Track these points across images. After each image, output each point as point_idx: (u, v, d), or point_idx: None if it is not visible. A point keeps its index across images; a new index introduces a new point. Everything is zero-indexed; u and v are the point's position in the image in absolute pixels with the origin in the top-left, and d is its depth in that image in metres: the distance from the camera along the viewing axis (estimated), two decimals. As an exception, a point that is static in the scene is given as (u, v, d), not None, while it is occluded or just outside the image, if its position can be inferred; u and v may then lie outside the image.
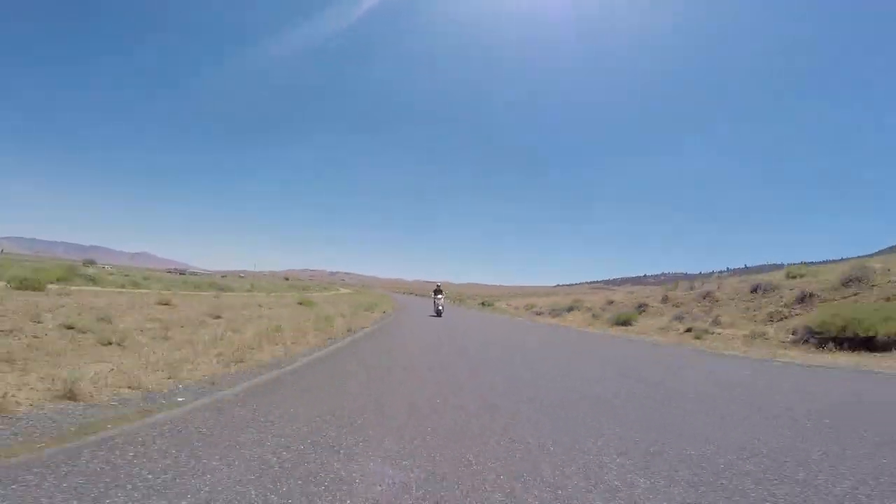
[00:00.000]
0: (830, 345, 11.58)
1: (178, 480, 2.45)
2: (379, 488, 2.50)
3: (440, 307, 23.76)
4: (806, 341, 12.55)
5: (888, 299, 13.81)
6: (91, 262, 33.66)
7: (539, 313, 38.44)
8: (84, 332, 6.95)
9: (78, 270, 20.25)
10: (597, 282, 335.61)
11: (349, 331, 11.97)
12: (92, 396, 3.96)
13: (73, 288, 15.81)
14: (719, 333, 16.38)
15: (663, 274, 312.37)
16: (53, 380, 4.20)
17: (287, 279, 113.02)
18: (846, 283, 16.16)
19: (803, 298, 16.66)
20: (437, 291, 25.53)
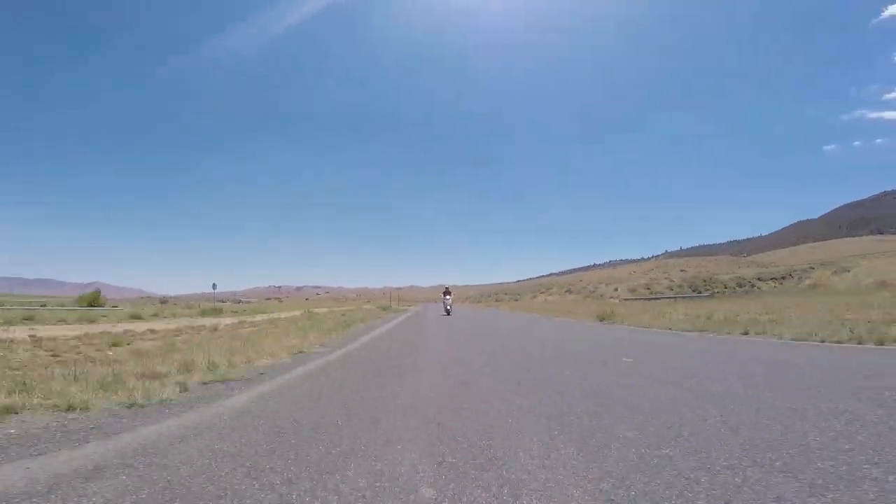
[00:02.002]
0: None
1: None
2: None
3: (448, 307, 25.65)
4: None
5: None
6: (165, 301, 45.21)
7: (476, 301, 63.09)
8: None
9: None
10: (553, 273, 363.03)
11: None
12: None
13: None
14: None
15: (609, 262, 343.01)
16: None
17: (307, 299, 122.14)
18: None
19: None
20: (447, 293, 26.72)
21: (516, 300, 48.96)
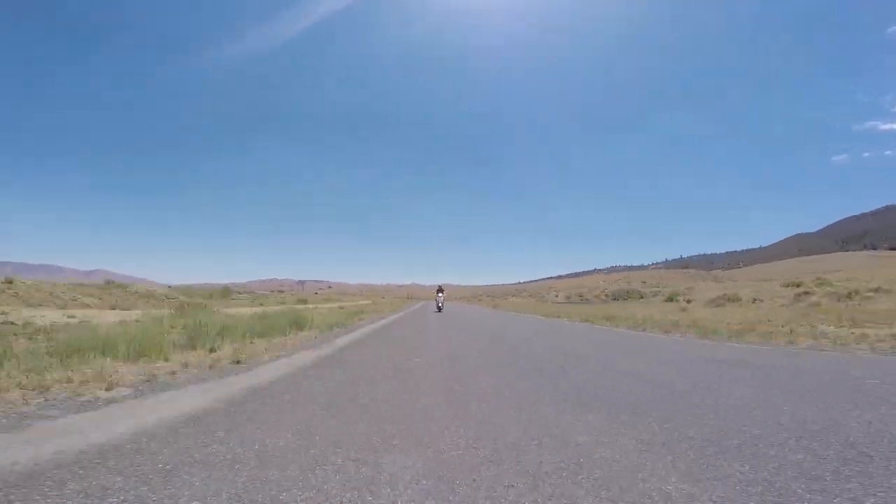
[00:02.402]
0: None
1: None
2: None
3: (440, 304, 27.93)
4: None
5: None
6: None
7: (466, 300, 70.89)
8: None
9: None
10: (552, 277, 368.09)
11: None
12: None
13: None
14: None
15: (611, 267, 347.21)
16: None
17: (316, 293, 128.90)
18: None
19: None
20: (439, 290, 29.36)
21: (492, 299, 56.24)
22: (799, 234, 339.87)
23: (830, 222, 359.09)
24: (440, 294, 28.92)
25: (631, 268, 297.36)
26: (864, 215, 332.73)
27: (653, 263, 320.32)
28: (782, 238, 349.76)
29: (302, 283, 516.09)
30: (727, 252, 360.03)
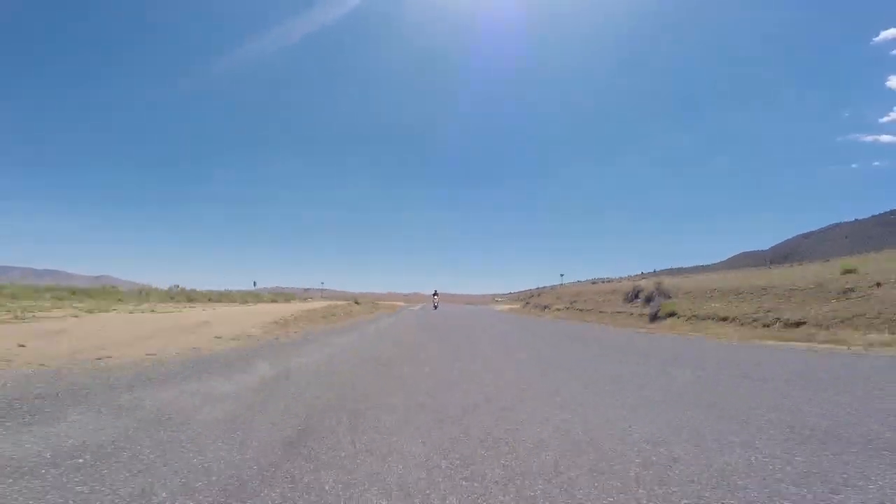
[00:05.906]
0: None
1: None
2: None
3: (435, 304, 35.43)
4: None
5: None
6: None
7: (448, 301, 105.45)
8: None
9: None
10: (514, 291, 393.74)
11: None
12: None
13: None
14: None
15: (595, 279, 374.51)
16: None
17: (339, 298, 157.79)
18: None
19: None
20: (435, 294, 36.90)
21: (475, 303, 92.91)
22: (746, 252, 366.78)
23: (783, 240, 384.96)
24: (435, 297, 35.76)
25: (610, 280, 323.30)
26: (811, 233, 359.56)
27: (629, 276, 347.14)
28: (734, 254, 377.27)
29: (307, 290, 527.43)
30: (695, 266, 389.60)
